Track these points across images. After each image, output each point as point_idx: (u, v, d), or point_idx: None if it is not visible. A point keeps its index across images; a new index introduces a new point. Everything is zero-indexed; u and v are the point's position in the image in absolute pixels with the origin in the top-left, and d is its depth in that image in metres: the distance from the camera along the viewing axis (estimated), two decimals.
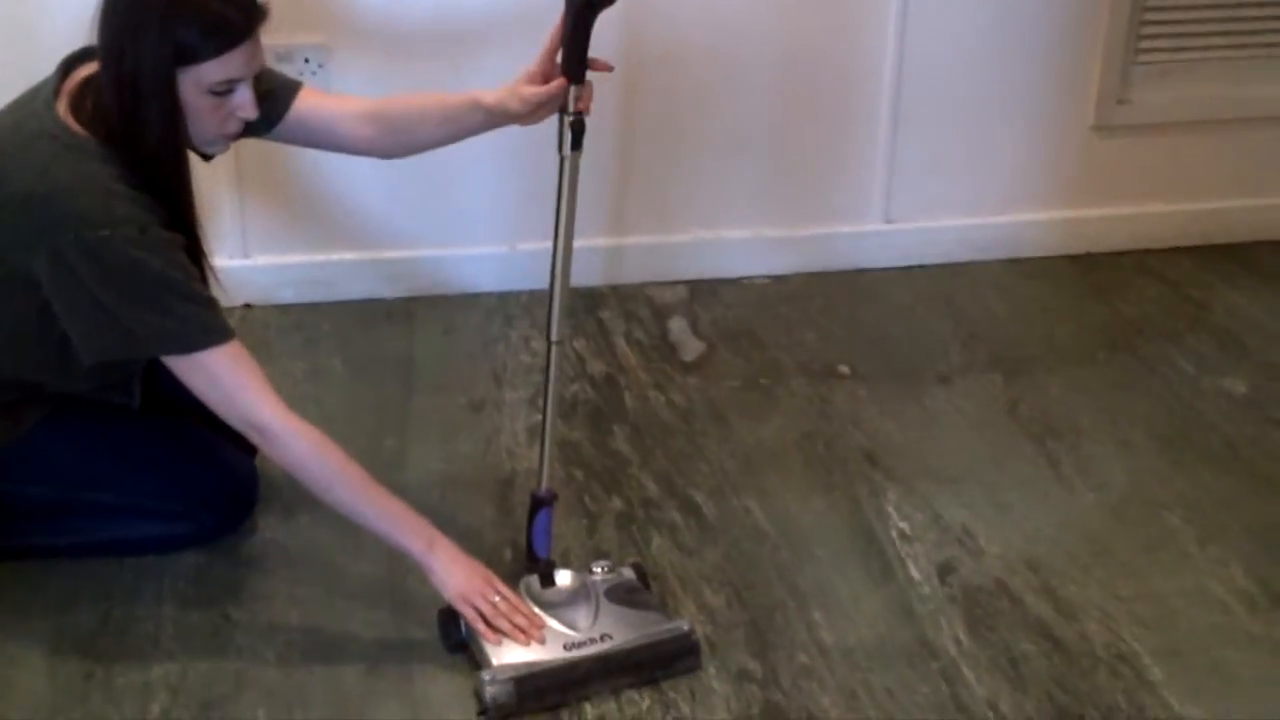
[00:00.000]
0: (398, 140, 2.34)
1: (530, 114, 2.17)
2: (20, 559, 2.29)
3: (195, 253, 2.14)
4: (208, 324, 2.06)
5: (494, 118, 2.22)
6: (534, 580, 2.18)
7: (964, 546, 2.41)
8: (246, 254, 3.06)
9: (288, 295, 3.10)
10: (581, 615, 2.12)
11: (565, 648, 2.07)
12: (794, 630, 2.21)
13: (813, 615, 2.24)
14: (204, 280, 2.14)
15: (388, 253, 3.12)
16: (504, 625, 2.07)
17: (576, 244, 3.13)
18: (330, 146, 2.37)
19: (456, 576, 2.10)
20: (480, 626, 2.06)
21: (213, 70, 1.99)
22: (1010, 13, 3.20)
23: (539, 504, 2.22)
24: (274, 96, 2.27)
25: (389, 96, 2.37)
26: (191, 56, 1.97)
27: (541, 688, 2.04)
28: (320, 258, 3.10)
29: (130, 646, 2.14)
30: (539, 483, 2.22)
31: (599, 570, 2.20)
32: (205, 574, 2.29)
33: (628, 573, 2.22)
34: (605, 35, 3.01)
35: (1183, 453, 2.69)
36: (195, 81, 2.00)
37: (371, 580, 2.29)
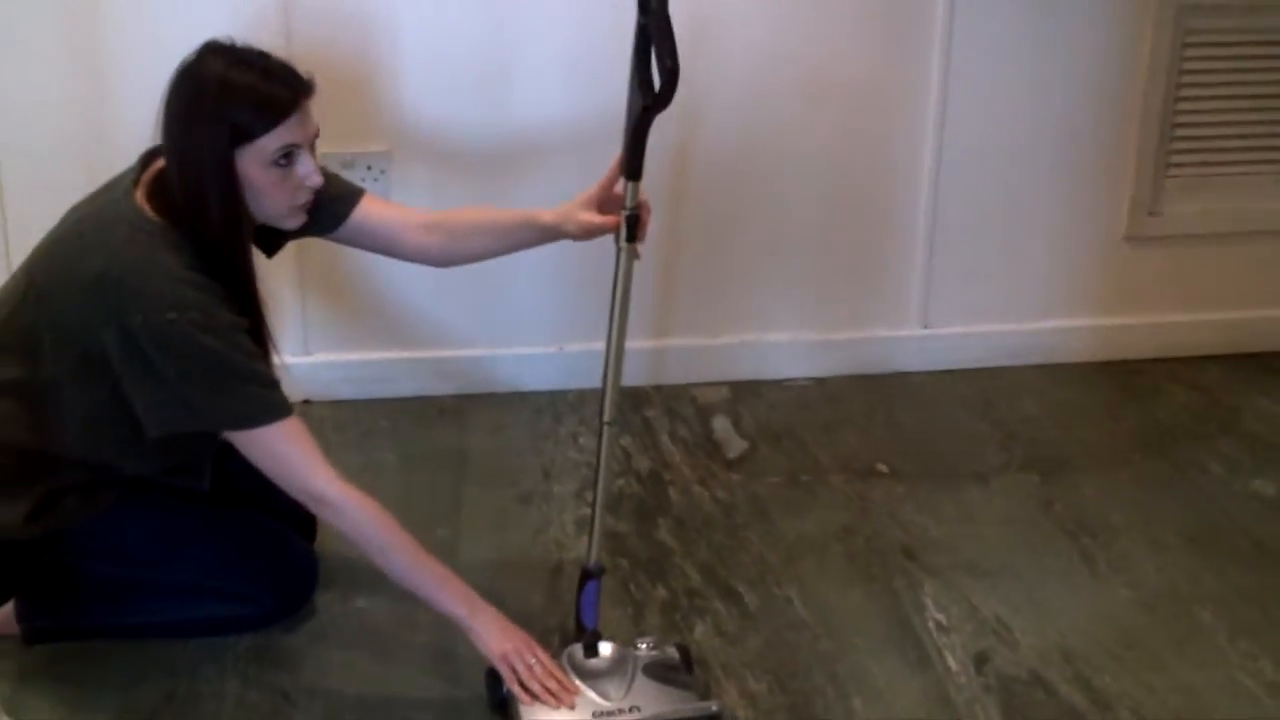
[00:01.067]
0: (454, 250, 2.48)
1: (584, 237, 2.30)
2: (87, 638, 2.38)
3: (259, 335, 2.26)
4: (267, 403, 2.17)
5: (548, 236, 2.36)
6: (578, 649, 2.27)
7: (999, 638, 2.47)
8: (307, 351, 3.18)
9: (345, 391, 3.21)
10: (615, 686, 2.21)
11: (594, 715, 2.16)
12: (833, 716, 2.27)
13: (852, 702, 2.31)
14: (267, 360, 2.25)
15: (441, 352, 3.24)
16: (536, 687, 2.16)
17: (627, 344, 3.28)
18: (388, 252, 2.50)
19: (497, 638, 2.20)
20: (515, 687, 2.16)
21: (269, 142, 2.12)
22: (1045, 125, 3.32)
23: (588, 576, 2.31)
24: (339, 200, 2.40)
25: (447, 209, 2.50)
26: (247, 135, 2.11)
27: None
28: (377, 356, 3.21)
29: None
30: (589, 555, 2.32)
31: (643, 646, 2.29)
32: (264, 653, 2.38)
33: (671, 651, 2.30)
34: (657, 143, 3.16)
35: (1213, 551, 2.75)
36: (255, 158, 2.13)
37: (423, 661, 2.37)
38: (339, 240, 2.47)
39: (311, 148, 2.21)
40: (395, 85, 3.05)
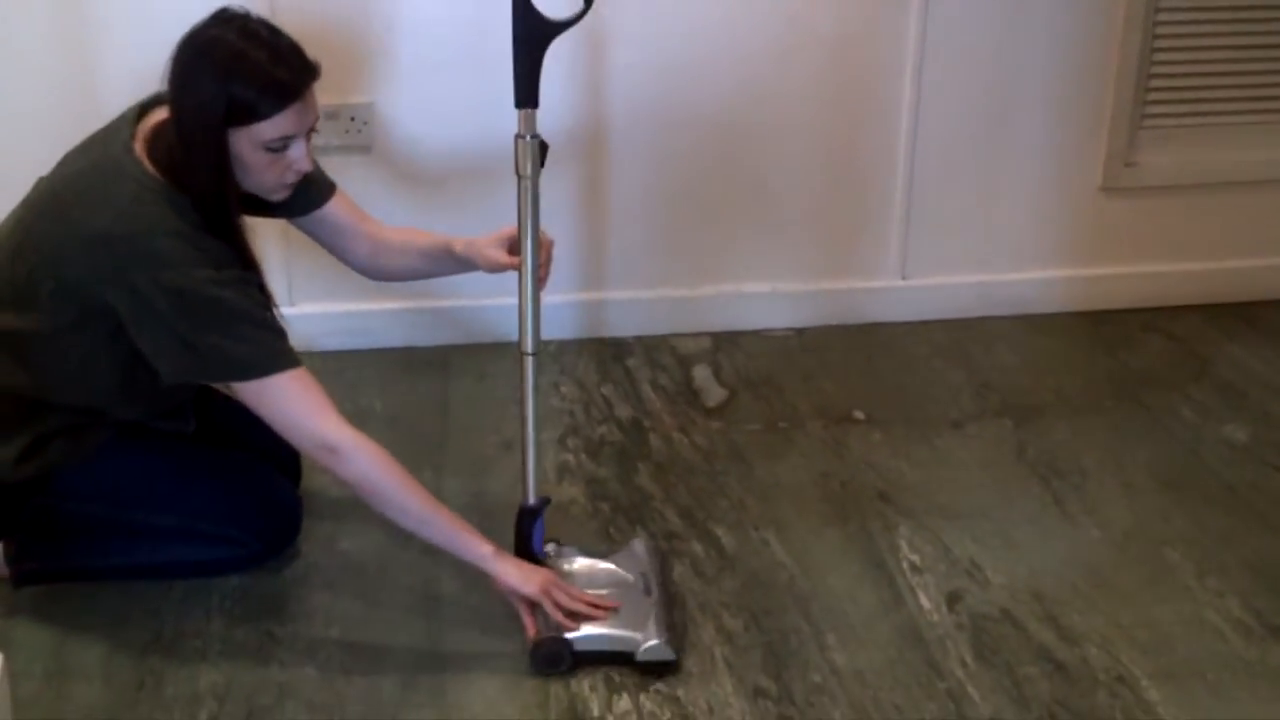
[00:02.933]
0: (382, 266, 2.57)
1: (490, 271, 2.41)
2: (76, 580, 2.43)
3: (263, 290, 2.30)
4: (278, 351, 2.22)
5: (461, 266, 2.48)
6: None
7: (972, 578, 2.53)
8: (292, 303, 3.21)
9: (330, 343, 3.25)
10: (608, 571, 2.38)
11: (645, 592, 2.35)
12: (808, 652, 2.33)
13: (826, 639, 2.36)
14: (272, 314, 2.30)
15: (425, 302, 3.27)
16: (580, 607, 2.26)
17: (606, 296, 3.34)
18: (331, 249, 2.57)
19: (529, 575, 2.28)
20: (559, 616, 2.24)
21: (267, 129, 2.14)
22: (1021, 79, 3.35)
23: (532, 514, 2.39)
24: (315, 189, 2.45)
25: (386, 227, 2.57)
26: (246, 116, 2.12)
27: (670, 623, 2.33)
28: (362, 307, 3.25)
29: (179, 660, 2.28)
30: (525, 493, 2.39)
31: (551, 549, 2.44)
32: (250, 594, 2.43)
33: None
34: (638, 97, 3.21)
35: (1184, 494, 2.80)
36: (250, 139, 2.15)
37: (407, 602, 2.42)
38: (297, 225, 2.53)
39: (309, 134, 2.23)
40: (380, 36, 3.07)
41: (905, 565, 2.56)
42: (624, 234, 3.32)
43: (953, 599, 2.47)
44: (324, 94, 3.00)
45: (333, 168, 3.09)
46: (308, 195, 2.43)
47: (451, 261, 2.49)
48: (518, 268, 2.30)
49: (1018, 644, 2.36)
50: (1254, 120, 3.50)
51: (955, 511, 2.72)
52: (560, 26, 2.13)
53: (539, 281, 2.33)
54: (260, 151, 2.16)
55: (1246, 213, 3.57)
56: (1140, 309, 3.57)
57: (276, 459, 2.50)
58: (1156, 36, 3.36)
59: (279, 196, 2.30)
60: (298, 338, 3.16)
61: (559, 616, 2.25)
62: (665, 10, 3.15)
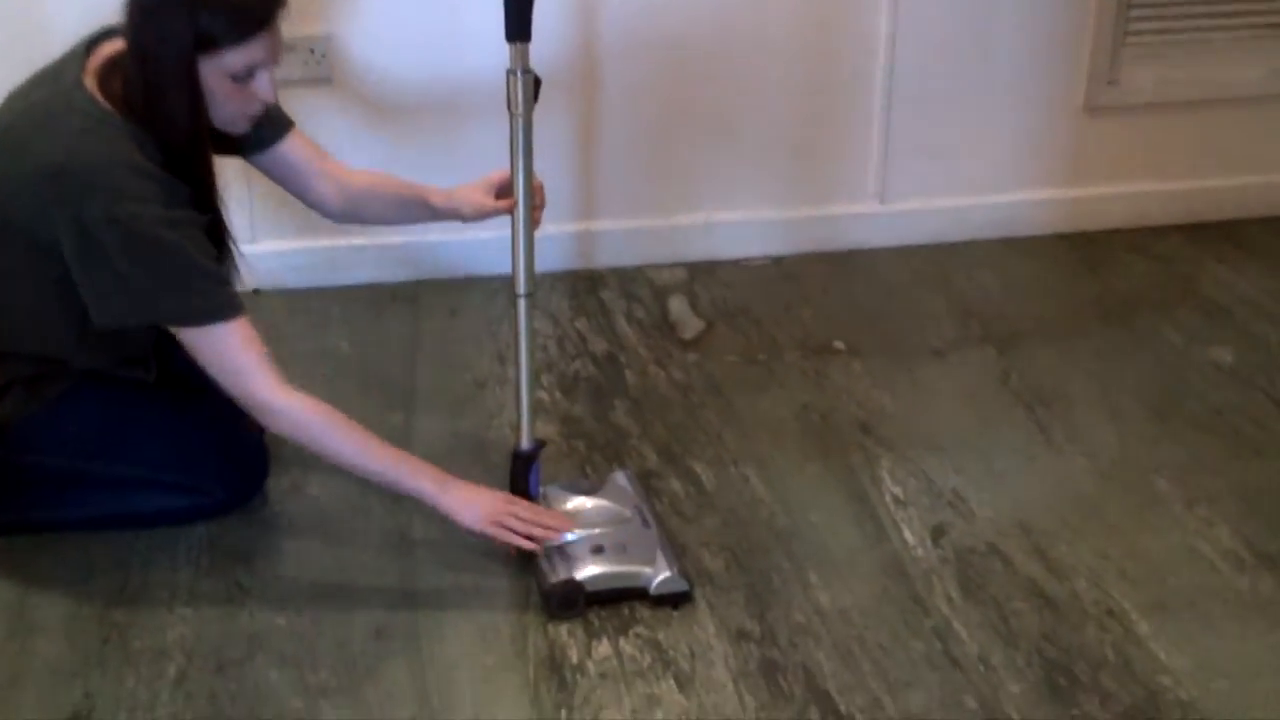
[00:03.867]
0: (350, 211, 2.50)
1: (476, 219, 2.36)
2: (39, 531, 2.36)
3: (218, 232, 2.23)
4: (220, 299, 2.15)
5: (440, 216, 2.42)
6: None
7: (956, 510, 2.47)
8: (254, 239, 3.12)
9: (295, 280, 3.16)
10: (602, 507, 2.36)
11: (644, 525, 2.32)
12: (790, 591, 2.27)
13: (809, 577, 2.31)
14: (224, 258, 2.24)
15: (393, 237, 3.18)
16: (538, 532, 2.21)
17: (579, 227, 3.26)
18: (292, 190, 2.50)
19: (475, 506, 2.22)
20: (517, 540, 2.20)
21: (235, 58, 2.08)
22: None
23: (526, 459, 2.32)
24: (272, 125, 2.38)
25: (355, 170, 2.50)
26: (214, 44, 2.06)
27: (678, 552, 2.31)
28: (326, 243, 3.16)
29: (146, 612, 2.21)
30: (520, 438, 2.33)
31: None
32: (217, 543, 2.36)
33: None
34: (604, 22, 3.11)
35: (1171, 419, 2.75)
36: (218, 68, 2.08)
37: (378, 548, 2.36)
38: (254, 164, 2.45)
39: (275, 63, 2.16)
40: None
41: (888, 499, 2.50)
42: (596, 164, 3.23)
43: (937, 533, 2.41)
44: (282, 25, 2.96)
45: (293, 102, 3.00)
46: (265, 131, 2.36)
47: (425, 211, 2.44)
48: (509, 210, 2.24)
49: (1004, 578, 2.31)
50: (1238, 35, 3.43)
51: (938, 443, 2.66)
52: None
53: (533, 223, 2.24)
54: (226, 81, 2.10)
55: (1232, 130, 3.49)
56: (1124, 229, 3.50)
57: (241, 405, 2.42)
58: None
59: (240, 129, 2.23)
60: (263, 275, 3.15)
61: (518, 541, 2.21)
62: None
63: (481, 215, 2.35)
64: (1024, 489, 2.53)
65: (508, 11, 2.07)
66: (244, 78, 2.11)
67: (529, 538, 2.21)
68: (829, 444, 2.66)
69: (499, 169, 2.30)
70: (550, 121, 3.13)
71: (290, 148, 2.42)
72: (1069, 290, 3.26)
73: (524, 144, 2.16)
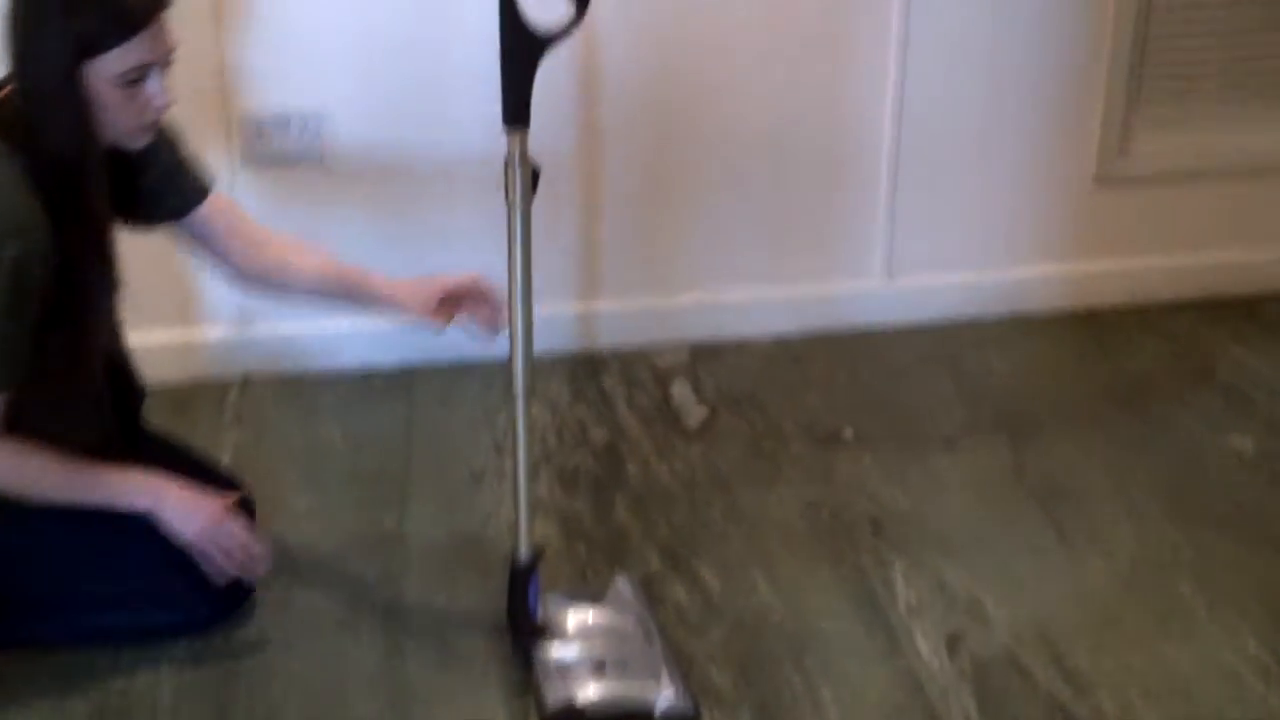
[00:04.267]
0: (273, 280, 2.41)
1: (417, 315, 2.31)
2: (17, 648, 2.26)
3: (105, 278, 2.15)
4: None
5: (375, 303, 2.36)
6: (545, 646, 2.21)
7: (972, 617, 2.37)
8: (246, 324, 3.03)
9: (287, 365, 3.07)
10: (604, 621, 2.28)
11: (647, 640, 2.24)
12: (801, 710, 2.17)
13: (820, 693, 2.21)
14: (105, 300, 2.17)
15: (386, 321, 3.08)
16: (239, 560, 2.17)
17: (579, 308, 3.17)
18: (213, 259, 2.40)
19: (195, 519, 2.15)
20: (219, 569, 2.14)
21: (118, 60, 1.99)
22: (1010, 64, 3.19)
23: (524, 574, 2.22)
24: (189, 187, 2.30)
25: (285, 237, 2.41)
26: (95, 47, 1.98)
27: (683, 670, 2.21)
28: (319, 326, 3.06)
29: None
30: (518, 549, 2.22)
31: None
32: (202, 660, 2.25)
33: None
34: (604, 97, 3.03)
35: (1191, 515, 2.66)
36: (103, 74, 2.00)
37: (368, 666, 2.25)
38: (177, 235, 2.36)
39: (165, 65, 2.07)
40: (331, 39, 2.88)
41: (902, 606, 2.40)
42: (595, 241, 3.15)
43: (953, 642, 2.32)
44: (272, 99, 2.89)
45: (283, 180, 2.96)
46: (183, 193, 2.28)
47: (361, 294, 2.36)
48: (444, 324, 2.23)
49: (1024, 694, 2.21)
50: (1253, 103, 3.35)
51: (952, 543, 2.57)
52: (552, 39, 1.94)
53: (529, 323, 2.14)
54: (115, 88, 2.01)
55: (1247, 201, 3.42)
56: (1137, 306, 3.42)
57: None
58: (1150, 19, 3.21)
59: (138, 142, 2.12)
60: (253, 359, 3.06)
61: (219, 562, 2.15)
62: (641, 11, 2.96)
63: (420, 315, 2.29)
64: (1042, 594, 2.44)
65: (506, 93, 1.98)
66: (133, 82, 2.02)
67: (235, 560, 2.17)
68: (840, 545, 2.56)
69: (458, 274, 2.25)
70: (548, 195, 3.03)
71: (213, 213, 2.33)
72: (1081, 372, 3.17)
73: (522, 238, 2.06)
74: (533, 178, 2.02)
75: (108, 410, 2.28)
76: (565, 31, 1.92)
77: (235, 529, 2.18)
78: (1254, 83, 3.33)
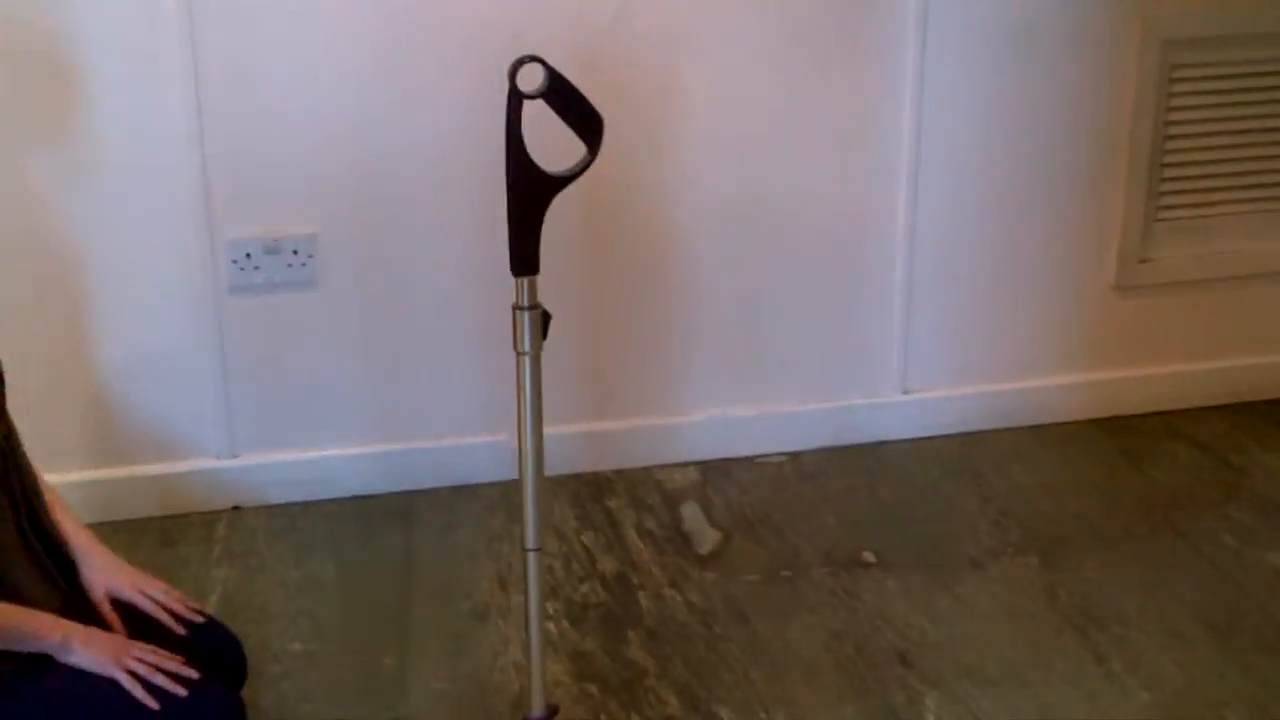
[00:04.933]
0: None
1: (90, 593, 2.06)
2: None
3: None
4: None
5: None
6: None
7: None
8: (234, 453, 2.90)
9: (278, 495, 2.93)
10: None
11: None
12: None
13: None
14: None
15: (382, 446, 2.96)
16: (161, 680, 1.94)
17: (583, 427, 3.05)
18: None
19: (100, 650, 1.95)
20: (139, 692, 1.92)
21: None
22: (1025, 171, 3.09)
23: None
24: None
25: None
26: None
27: None
28: (311, 454, 2.93)
29: None
30: (531, 702, 2.06)
31: None
32: None
33: None
34: (607, 212, 2.93)
35: (1235, 640, 2.52)
36: None
37: None
38: None
39: None
40: (322, 163, 2.77)
41: None
42: (601, 358, 3.03)
43: None
44: (261, 225, 2.78)
45: (276, 306, 2.83)
46: None
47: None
48: (108, 627, 2.01)
49: None
50: (1272, 209, 3.24)
51: (986, 676, 2.42)
52: (563, 181, 1.82)
53: (539, 478, 1.97)
54: None
55: (1268, 306, 3.31)
56: (1162, 413, 3.29)
57: (210, 661, 2.17)
58: (1169, 123, 3.11)
59: None
60: (243, 490, 2.93)
61: (139, 691, 1.93)
62: (644, 116, 2.87)
63: (86, 586, 2.06)
64: None
65: (514, 239, 1.85)
66: None
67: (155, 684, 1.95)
68: (866, 680, 2.41)
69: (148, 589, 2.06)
70: (553, 311, 2.95)
71: None
72: (1109, 485, 3.04)
73: (531, 386, 1.91)
74: (544, 322, 1.89)
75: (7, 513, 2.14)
76: (578, 170, 1.81)
77: (143, 650, 1.98)
78: (1272, 188, 3.23)
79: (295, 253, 2.79)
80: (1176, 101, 3.10)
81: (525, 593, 2.02)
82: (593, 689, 2.40)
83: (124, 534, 2.80)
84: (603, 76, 2.65)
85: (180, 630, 2.04)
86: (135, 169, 2.70)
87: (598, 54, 2.79)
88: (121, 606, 2.11)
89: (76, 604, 2.08)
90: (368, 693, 2.39)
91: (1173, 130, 3.12)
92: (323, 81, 2.73)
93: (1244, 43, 3.10)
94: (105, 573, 2.08)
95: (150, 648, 1.99)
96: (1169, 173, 3.15)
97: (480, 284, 2.87)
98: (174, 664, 1.99)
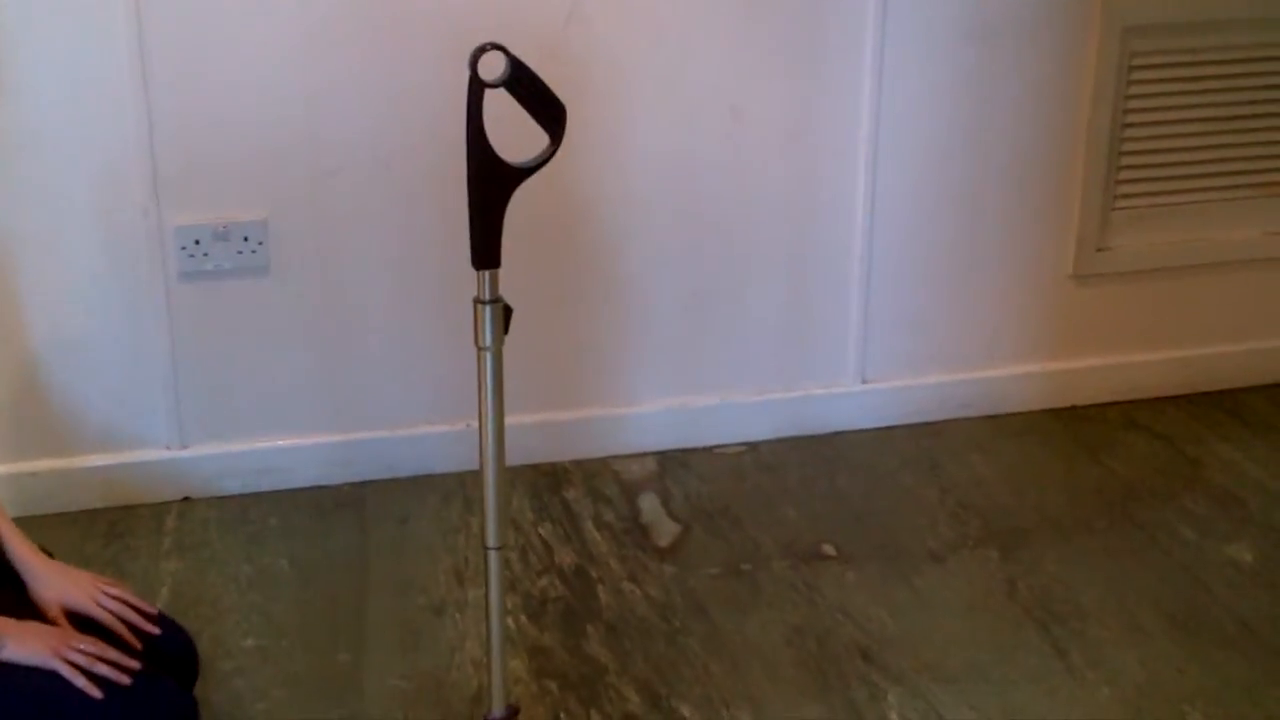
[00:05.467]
0: None
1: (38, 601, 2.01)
2: None
3: None
4: None
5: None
6: None
7: None
8: (183, 443, 2.84)
9: (230, 486, 2.88)
10: None
11: None
12: None
13: None
14: None
15: (335, 436, 2.91)
16: (103, 670, 1.89)
17: (540, 417, 3.01)
18: None
19: (34, 641, 1.91)
20: (80, 681, 1.87)
21: None
22: (983, 160, 3.06)
23: None
24: None
25: None
26: None
27: None
28: (263, 444, 2.88)
29: None
30: (490, 701, 2.01)
31: None
32: None
33: None
34: (565, 204, 2.89)
35: (1195, 634, 2.51)
36: None
37: None
38: None
39: None
40: (273, 148, 2.71)
41: None
42: (556, 346, 2.99)
43: None
44: (211, 211, 2.72)
45: (228, 293, 2.78)
46: None
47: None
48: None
49: None
50: (1231, 197, 3.24)
51: (947, 671, 2.41)
52: (526, 172, 1.78)
53: (502, 464, 1.94)
54: None
55: (1226, 295, 3.30)
56: (1118, 402, 3.29)
57: (161, 659, 2.12)
58: (1128, 111, 3.09)
59: None
60: (193, 481, 2.88)
61: (80, 680, 1.88)
62: (593, 99, 2.83)
63: (40, 604, 2.01)
64: None
65: (475, 231, 1.81)
66: None
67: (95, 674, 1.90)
68: (828, 676, 2.39)
69: (99, 592, 2.00)
70: (508, 299, 2.91)
71: None
72: (1067, 476, 3.03)
73: (493, 382, 1.87)
74: (505, 316, 1.84)
75: None
76: (541, 161, 1.77)
77: (84, 648, 1.93)
78: (1228, 174, 3.22)
79: (246, 239, 2.73)
80: (1135, 90, 3.08)
81: (486, 592, 1.97)
82: (552, 685, 2.37)
83: (71, 526, 2.75)
84: (558, 66, 2.61)
85: (137, 644, 1.99)
86: (79, 153, 2.63)
87: (553, 44, 2.75)
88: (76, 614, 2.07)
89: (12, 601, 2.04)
90: (323, 690, 2.34)
91: (1131, 119, 3.10)
92: (274, 63, 2.67)
93: (1204, 30, 3.09)
94: (55, 589, 2.03)
95: (91, 638, 1.95)
96: (1127, 160, 3.13)
97: (435, 271, 2.82)
98: (115, 654, 1.95)
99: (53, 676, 1.95)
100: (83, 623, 2.03)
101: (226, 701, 2.29)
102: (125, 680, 1.91)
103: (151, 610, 2.04)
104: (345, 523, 2.82)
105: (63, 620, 1.98)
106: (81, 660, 1.91)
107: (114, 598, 2.03)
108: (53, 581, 2.04)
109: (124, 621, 2.02)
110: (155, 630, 2.02)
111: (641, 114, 2.88)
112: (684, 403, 3.10)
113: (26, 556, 2.06)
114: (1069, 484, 3.00)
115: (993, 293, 3.18)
